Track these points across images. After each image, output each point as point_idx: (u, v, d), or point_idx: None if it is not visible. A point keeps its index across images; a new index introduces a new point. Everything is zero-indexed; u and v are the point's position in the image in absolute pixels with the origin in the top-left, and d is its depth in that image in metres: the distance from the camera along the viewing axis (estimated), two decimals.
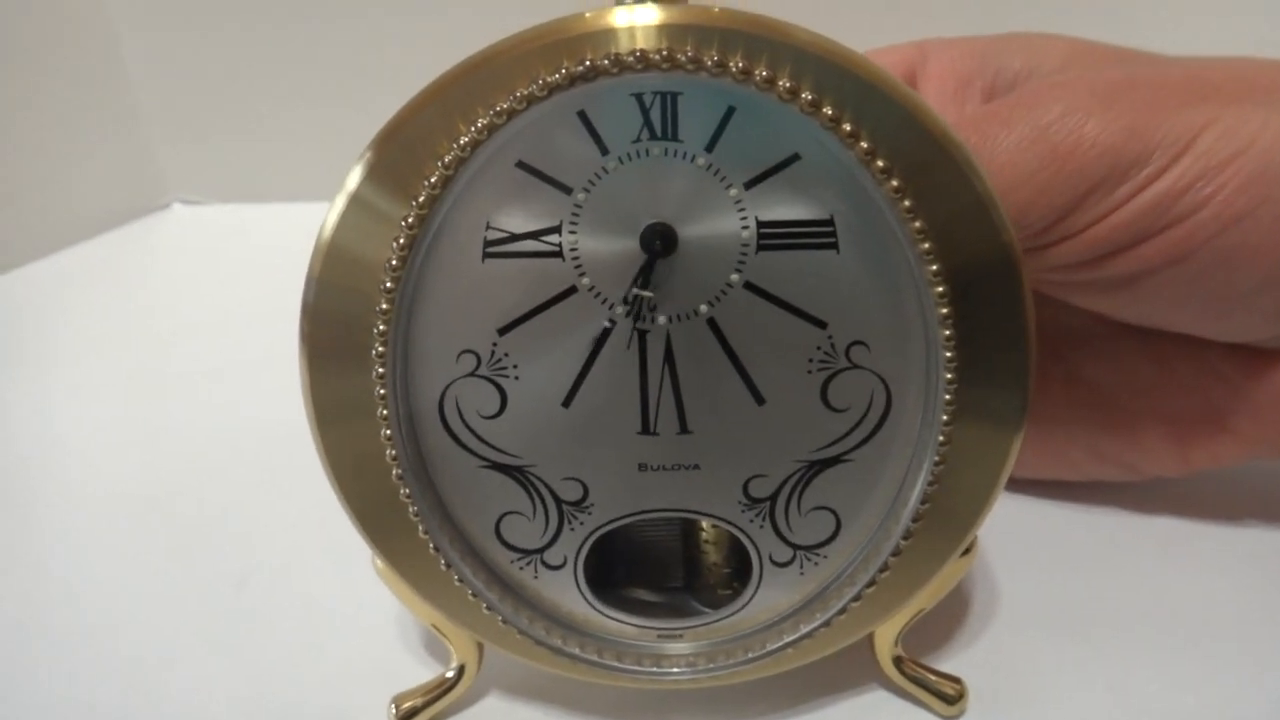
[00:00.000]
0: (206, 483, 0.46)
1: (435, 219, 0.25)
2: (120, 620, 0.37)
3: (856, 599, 0.29)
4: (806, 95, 0.24)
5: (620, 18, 0.24)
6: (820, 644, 0.30)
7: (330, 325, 0.26)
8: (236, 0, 0.71)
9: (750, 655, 0.30)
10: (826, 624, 0.29)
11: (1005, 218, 0.26)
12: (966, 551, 0.30)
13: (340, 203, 0.26)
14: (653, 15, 0.24)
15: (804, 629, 0.29)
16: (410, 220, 0.25)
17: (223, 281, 0.67)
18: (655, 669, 0.30)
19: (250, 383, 0.54)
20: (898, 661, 0.32)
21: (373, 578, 0.31)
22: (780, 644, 0.30)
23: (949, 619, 0.35)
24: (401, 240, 0.25)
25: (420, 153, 0.25)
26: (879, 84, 0.24)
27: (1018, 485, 0.40)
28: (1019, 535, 0.38)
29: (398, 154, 0.25)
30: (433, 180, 0.24)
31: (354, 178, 0.25)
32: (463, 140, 0.24)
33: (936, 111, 0.25)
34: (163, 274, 0.69)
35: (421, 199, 0.25)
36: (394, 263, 0.25)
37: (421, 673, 0.33)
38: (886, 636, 0.31)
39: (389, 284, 0.25)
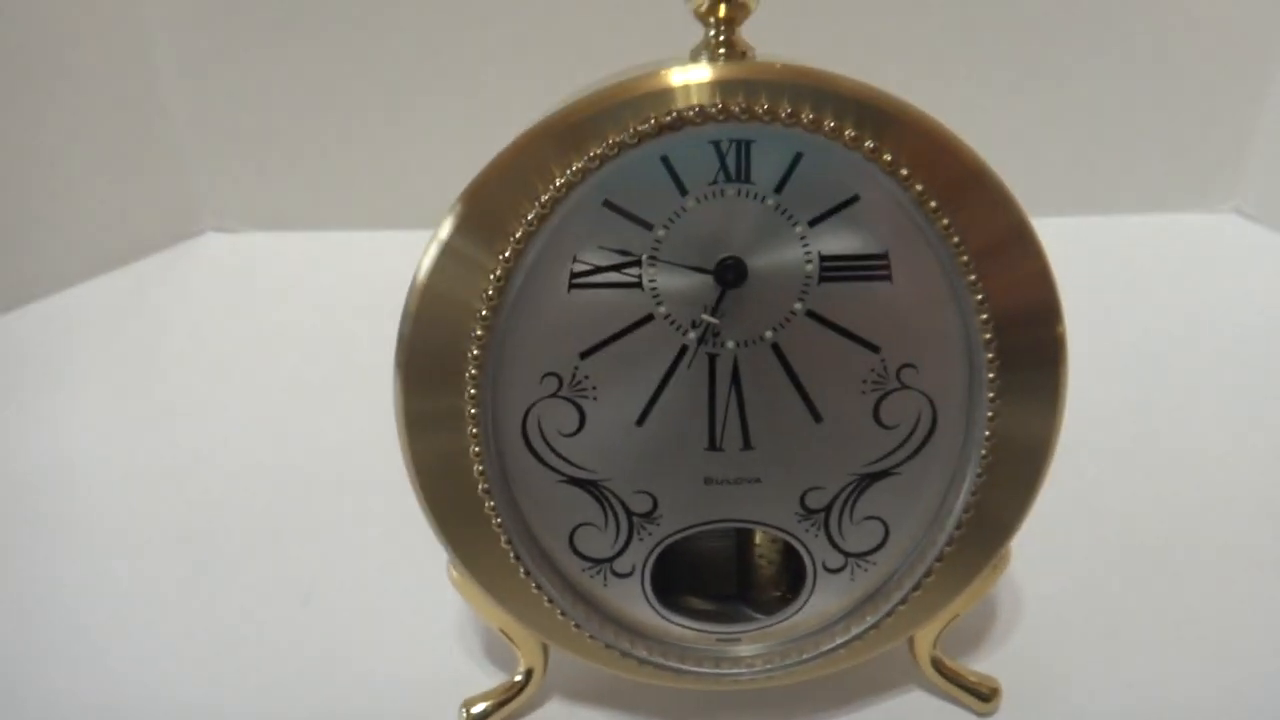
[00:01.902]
0: (241, 508, 0.47)
1: (531, 252, 0.27)
2: (188, 638, 0.39)
3: (903, 603, 0.31)
4: (869, 144, 0.26)
5: (699, 74, 0.27)
6: (868, 646, 0.32)
7: (424, 355, 0.29)
8: (272, 30, 0.72)
9: (804, 656, 0.32)
10: (875, 626, 0.32)
11: (1041, 247, 0.28)
12: (1002, 559, 0.32)
13: (433, 250, 0.28)
14: (727, 71, 0.27)
15: (854, 631, 0.32)
16: (507, 255, 0.27)
17: (257, 309, 0.68)
18: (715, 670, 0.32)
19: (287, 407, 0.55)
20: (935, 663, 0.34)
21: (427, 591, 0.33)
22: (832, 645, 0.32)
23: (980, 621, 0.37)
24: (498, 273, 0.27)
25: (515, 196, 0.27)
26: (932, 133, 0.27)
27: None
28: (1047, 539, 0.40)
29: (486, 205, 0.27)
30: (530, 218, 0.27)
31: (445, 228, 0.28)
32: (559, 182, 0.26)
33: (980, 155, 0.28)
34: (196, 302, 0.70)
35: (519, 235, 0.27)
36: (490, 293, 0.27)
37: (483, 680, 0.35)
38: (926, 639, 0.33)
39: (485, 312, 0.28)
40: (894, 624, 0.32)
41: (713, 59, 0.28)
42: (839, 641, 0.32)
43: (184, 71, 0.74)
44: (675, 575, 0.33)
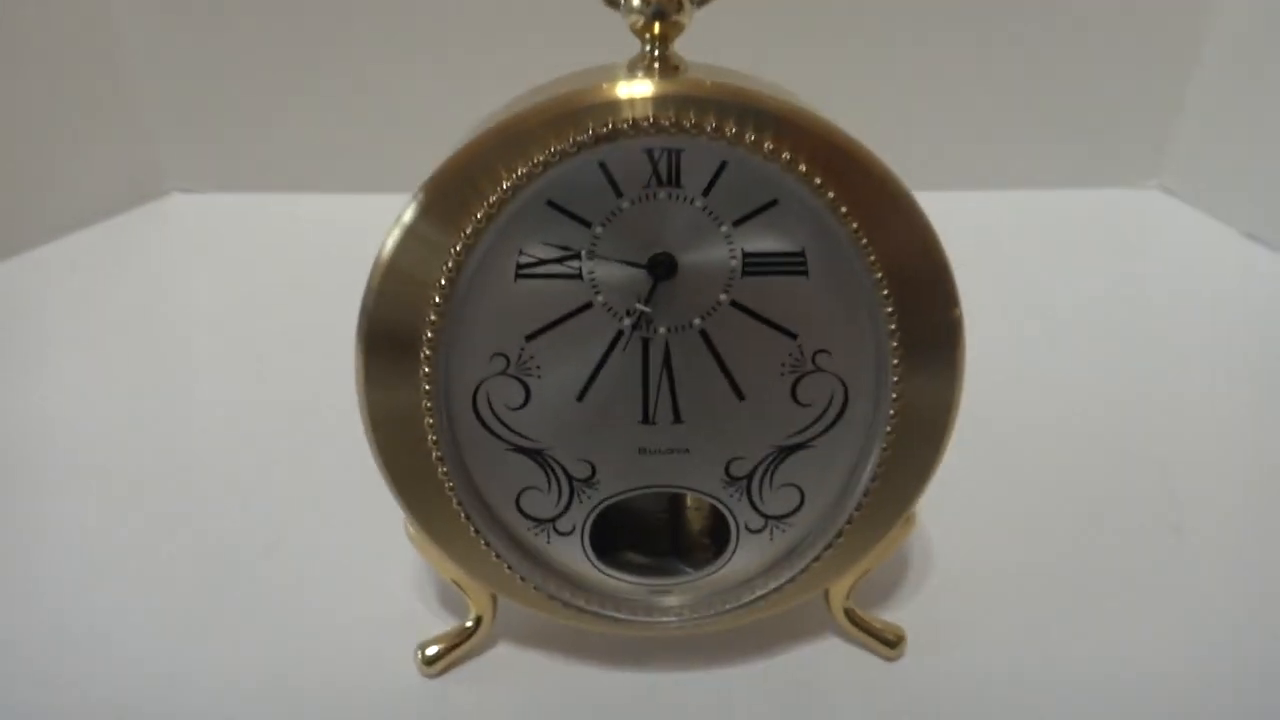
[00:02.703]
0: (206, 462, 0.49)
1: (480, 247, 0.30)
2: (155, 583, 0.41)
3: (816, 560, 0.35)
4: (786, 155, 0.29)
5: (636, 89, 0.29)
6: (786, 598, 0.36)
7: (384, 329, 0.31)
8: None
9: (728, 606, 0.36)
10: (792, 580, 0.35)
11: (939, 243, 0.31)
12: (908, 520, 0.36)
13: (396, 233, 0.30)
14: (660, 87, 0.29)
15: (773, 585, 0.35)
16: (458, 249, 0.30)
17: (221, 270, 0.69)
18: (648, 618, 0.36)
19: (252, 364, 0.57)
20: (848, 613, 0.38)
21: (386, 544, 0.36)
22: (753, 597, 0.35)
23: (893, 575, 0.41)
24: (450, 264, 0.30)
25: (466, 195, 0.30)
26: (843, 145, 0.30)
27: None
28: (958, 501, 0.43)
29: (446, 195, 0.30)
30: (479, 216, 0.30)
31: (409, 213, 0.30)
32: (505, 185, 0.29)
33: (888, 166, 0.31)
34: (161, 262, 0.70)
35: (469, 231, 0.30)
36: (443, 282, 0.30)
37: (437, 624, 0.39)
38: (839, 592, 0.37)
39: (438, 299, 0.30)
40: (809, 578, 0.35)
41: (648, 74, 0.30)
42: (759, 594, 0.35)
43: (147, 31, 0.74)
44: (614, 534, 0.36)
